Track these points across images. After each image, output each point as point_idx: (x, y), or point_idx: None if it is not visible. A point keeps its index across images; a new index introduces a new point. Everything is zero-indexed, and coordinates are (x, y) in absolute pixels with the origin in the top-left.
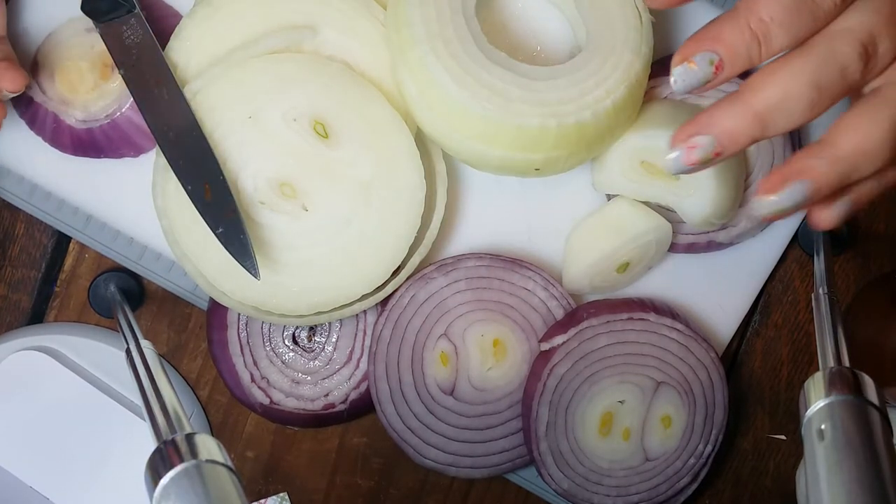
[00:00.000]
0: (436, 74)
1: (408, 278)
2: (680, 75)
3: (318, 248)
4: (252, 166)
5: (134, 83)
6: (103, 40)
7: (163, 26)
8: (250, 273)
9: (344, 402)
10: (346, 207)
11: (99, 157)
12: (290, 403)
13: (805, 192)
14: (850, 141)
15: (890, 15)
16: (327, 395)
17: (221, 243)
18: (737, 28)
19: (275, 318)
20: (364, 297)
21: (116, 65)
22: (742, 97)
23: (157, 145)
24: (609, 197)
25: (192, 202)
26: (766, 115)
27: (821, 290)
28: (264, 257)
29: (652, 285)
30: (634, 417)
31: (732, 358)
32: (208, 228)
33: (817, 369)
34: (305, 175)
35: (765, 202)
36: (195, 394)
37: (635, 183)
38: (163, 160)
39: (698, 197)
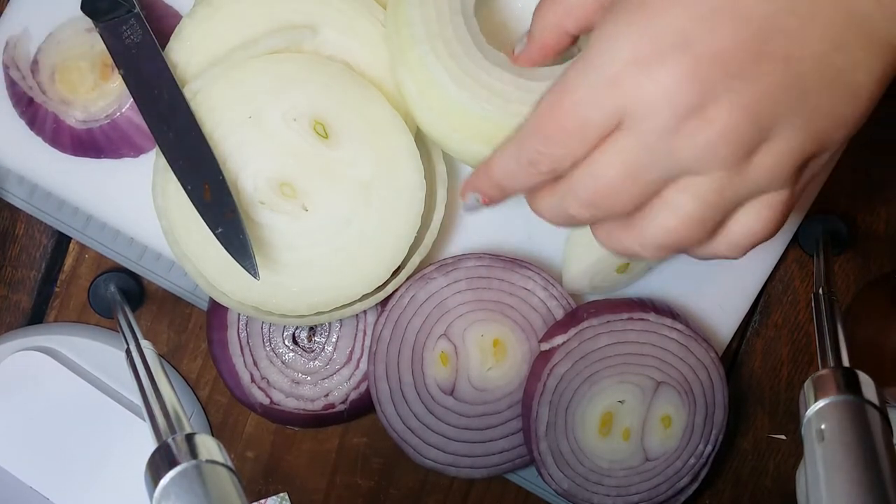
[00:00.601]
0: (436, 75)
1: (408, 278)
2: (462, 206)
3: (318, 248)
4: (252, 166)
5: (134, 83)
6: (103, 40)
7: (163, 26)
8: (250, 273)
9: (344, 402)
10: (346, 207)
11: (99, 157)
12: (290, 403)
13: (480, 201)
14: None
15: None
16: (327, 395)
17: (221, 244)
18: (485, 180)
19: (275, 319)
20: (364, 297)
21: (116, 65)
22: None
23: (157, 145)
24: None
25: (192, 202)
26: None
27: (821, 290)
28: (264, 257)
29: (652, 285)
30: (634, 417)
31: (732, 358)
32: (208, 228)
33: (817, 369)
34: (305, 175)
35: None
36: (195, 394)
37: None
38: (163, 160)
39: None
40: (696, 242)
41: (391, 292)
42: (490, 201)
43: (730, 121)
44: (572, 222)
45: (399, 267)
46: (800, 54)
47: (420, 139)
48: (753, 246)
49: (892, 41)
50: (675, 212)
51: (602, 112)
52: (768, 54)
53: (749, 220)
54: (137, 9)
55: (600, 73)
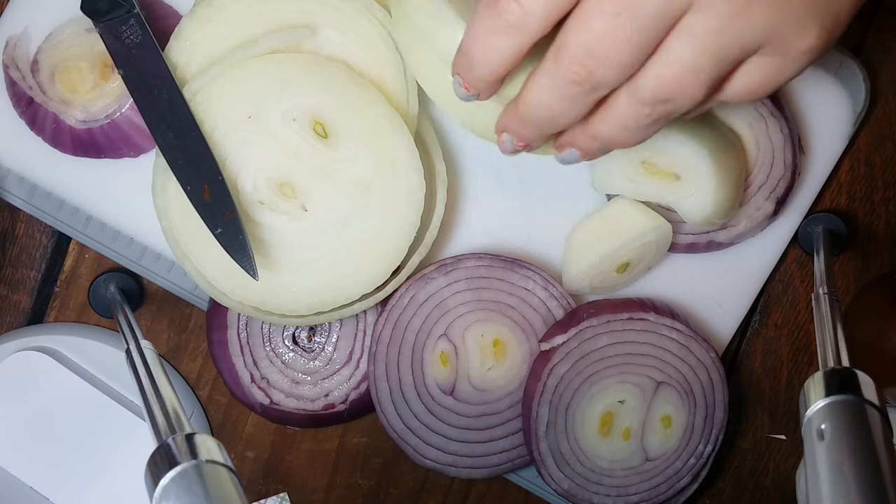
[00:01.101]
0: (443, 27)
1: (408, 278)
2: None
3: (318, 248)
4: (252, 166)
5: (134, 83)
6: (103, 40)
7: (163, 26)
8: (248, 274)
9: (344, 402)
10: (346, 207)
11: (99, 157)
12: (290, 403)
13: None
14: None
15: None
16: (327, 395)
17: (220, 244)
18: (459, 62)
19: (275, 319)
20: (364, 297)
21: (116, 65)
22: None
23: (156, 145)
24: (609, 197)
25: (192, 202)
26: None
27: (821, 290)
28: (264, 257)
29: (652, 285)
30: (634, 417)
31: (732, 358)
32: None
33: (817, 369)
34: (305, 175)
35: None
36: (195, 394)
37: (635, 183)
38: (163, 160)
39: (699, 197)
40: (692, 100)
41: (391, 292)
42: (522, 139)
43: None
44: (570, 103)
45: (399, 267)
46: None
47: (420, 139)
48: (746, 101)
49: None
50: (671, 59)
51: None
52: None
53: (741, 80)
54: (137, 9)
55: None
